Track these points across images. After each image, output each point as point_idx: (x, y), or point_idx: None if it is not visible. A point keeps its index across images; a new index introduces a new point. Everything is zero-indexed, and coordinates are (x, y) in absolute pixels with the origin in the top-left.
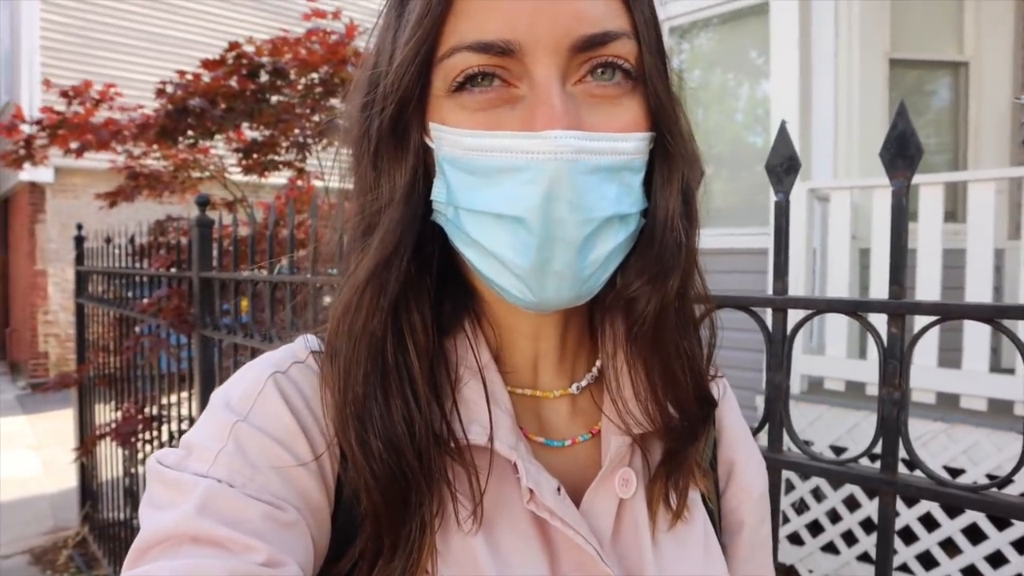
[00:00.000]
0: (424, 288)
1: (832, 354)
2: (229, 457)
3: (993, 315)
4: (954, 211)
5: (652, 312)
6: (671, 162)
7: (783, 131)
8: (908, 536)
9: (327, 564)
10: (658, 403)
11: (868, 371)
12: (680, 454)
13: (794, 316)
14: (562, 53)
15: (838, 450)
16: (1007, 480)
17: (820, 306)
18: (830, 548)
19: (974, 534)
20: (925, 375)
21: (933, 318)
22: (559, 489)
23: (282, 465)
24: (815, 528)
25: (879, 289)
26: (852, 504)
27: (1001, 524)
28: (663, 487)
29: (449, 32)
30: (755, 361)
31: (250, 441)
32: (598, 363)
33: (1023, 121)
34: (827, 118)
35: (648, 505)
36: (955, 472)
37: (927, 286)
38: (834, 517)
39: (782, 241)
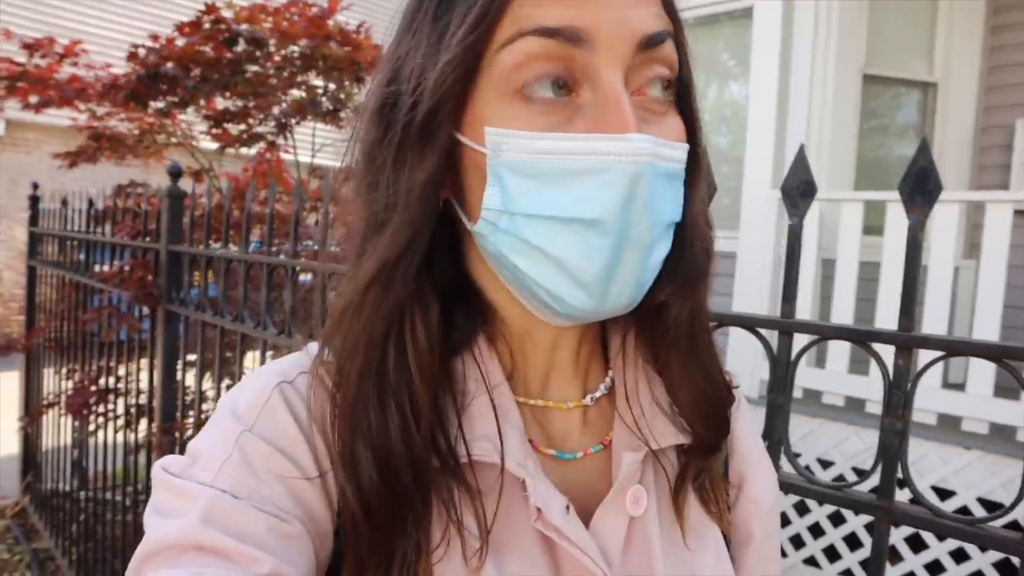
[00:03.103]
0: (430, 302)
1: (833, 368)
2: (234, 467)
3: (1001, 355)
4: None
5: (685, 318)
6: (699, 172)
7: (801, 154)
8: (892, 555)
9: None
10: (672, 416)
11: (869, 388)
12: (700, 467)
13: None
14: (627, 51)
15: (825, 463)
16: (1006, 511)
17: (828, 332)
18: (811, 562)
19: (959, 555)
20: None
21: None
22: (568, 507)
23: (287, 477)
24: (797, 542)
25: (841, 301)
26: (836, 519)
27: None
28: (677, 503)
29: (506, 26)
30: None
31: (256, 452)
32: (610, 374)
33: None
34: (801, 128)
35: (660, 522)
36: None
37: (891, 307)
38: (816, 532)
39: (793, 264)
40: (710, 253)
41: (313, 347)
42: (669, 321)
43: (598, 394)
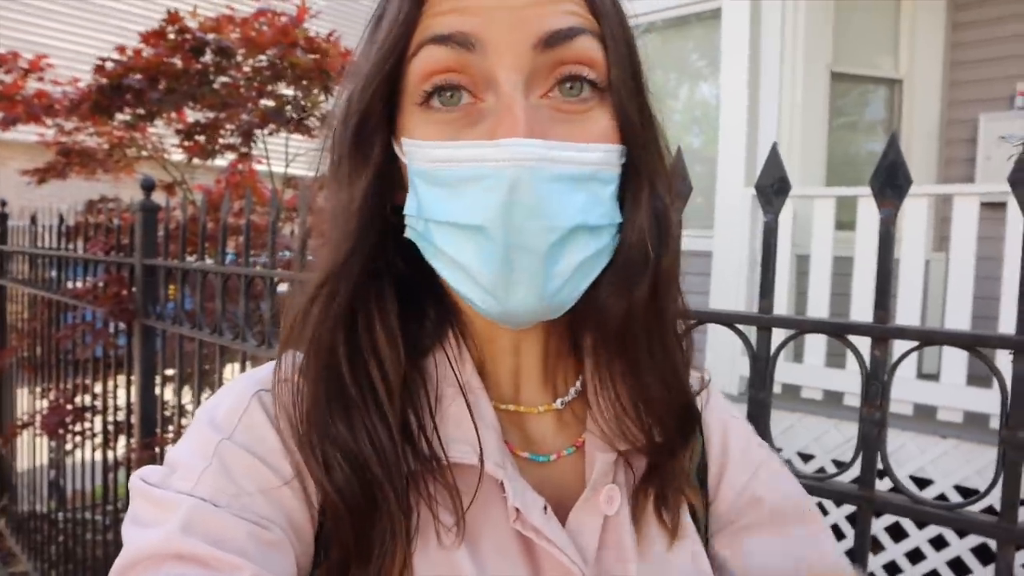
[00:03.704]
0: (387, 302)
1: (811, 363)
2: (214, 476)
3: (973, 343)
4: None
5: (620, 319)
6: (638, 177)
7: (775, 152)
8: (873, 544)
9: None
10: (634, 418)
11: (847, 381)
12: (662, 469)
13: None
14: (525, 52)
15: (805, 457)
16: (980, 497)
17: (805, 327)
18: None
19: (939, 543)
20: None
21: (914, 343)
22: (546, 508)
23: (266, 484)
24: None
25: (816, 296)
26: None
27: (962, 532)
28: (646, 503)
29: (416, 36)
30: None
31: (234, 460)
32: (581, 378)
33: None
34: (772, 126)
35: (634, 522)
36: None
37: (865, 301)
38: None
39: (769, 260)
40: (650, 260)
41: (291, 355)
42: (607, 324)
43: (568, 398)
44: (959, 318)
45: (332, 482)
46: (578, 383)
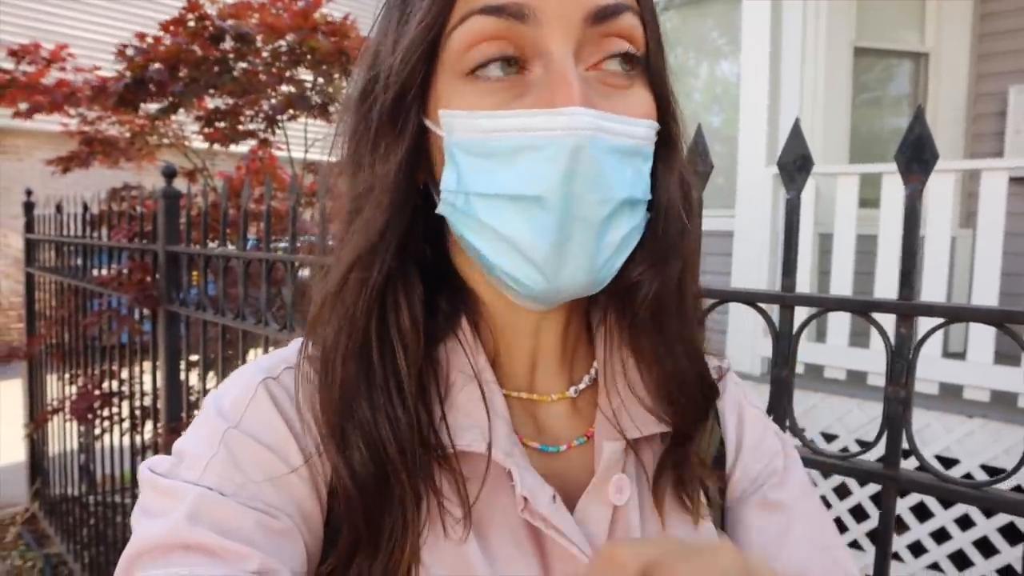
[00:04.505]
0: (414, 285)
1: (834, 342)
2: (221, 465)
3: (1002, 319)
4: None
5: (652, 298)
6: (672, 151)
7: (797, 128)
8: (898, 524)
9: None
10: (653, 403)
11: (870, 360)
12: (682, 452)
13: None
14: (576, 24)
15: (829, 437)
16: (1007, 476)
17: (829, 304)
18: None
19: (964, 522)
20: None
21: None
22: (554, 497)
23: (274, 472)
24: None
25: (840, 274)
26: (842, 492)
27: (989, 512)
28: (667, 488)
29: (460, 4)
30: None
31: (241, 448)
32: (595, 365)
33: None
34: (793, 104)
35: (642, 510)
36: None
37: (889, 279)
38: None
39: (792, 239)
40: (684, 232)
41: (299, 342)
42: (637, 302)
43: (582, 385)
44: (986, 295)
45: (348, 464)
46: (592, 371)
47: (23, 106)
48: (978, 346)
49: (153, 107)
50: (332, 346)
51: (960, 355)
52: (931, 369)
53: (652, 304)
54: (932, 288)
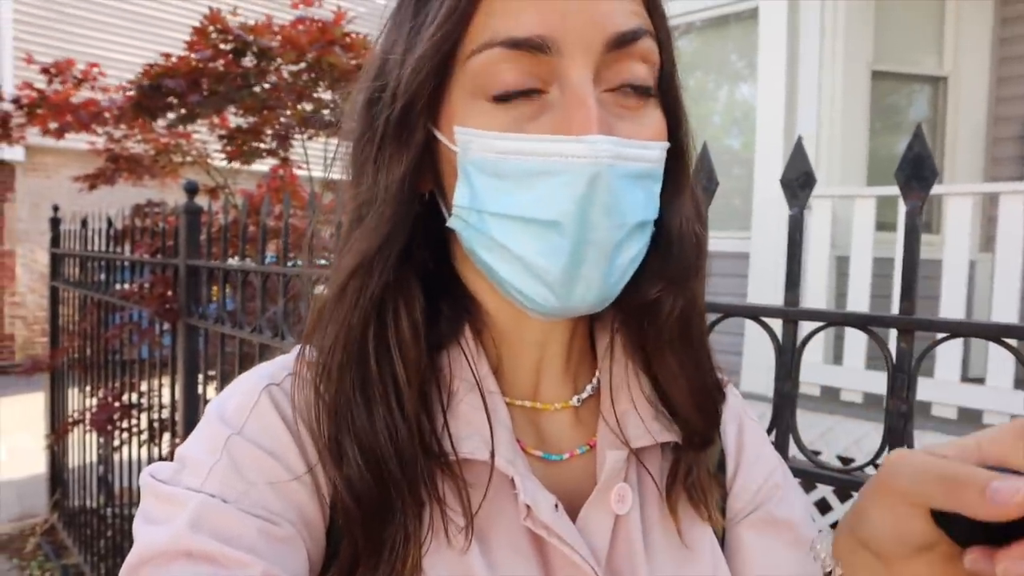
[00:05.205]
0: (414, 294)
1: (850, 364)
2: (223, 472)
3: (999, 334)
4: (929, 222)
5: (679, 314)
6: (684, 169)
7: (799, 146)
8: None
9: None
10: (683, 408)
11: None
12: (691, 463)
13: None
14: (596, 51)
15: (845, 460)
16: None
17: (832, 319)
18: None
19: None
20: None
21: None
22: (557, 505)
23: (276, 479)
24: None
25: (856, 296)
26: (844, 498)
27: None
28: (679, 498)
29: (478, 29)
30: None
31: (244, 455)
32: (598, 374)
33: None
34: (810, 126)
35: (644, 520)
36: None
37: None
38: (823, 509)
39: (795, 253)
40: (702, 248)
41: (306, 349)
42: (662, 317)
43: (585, 395)
44: (1005, 319)
45: (345, 477)
46: (595, 380)
47: (53, 125)
48: (998, 371)
49: (172, 119)
50: (329, 355)
51: (981, 380)
52: (950, 393)
53: (679, 321)
54: (950, 311)
